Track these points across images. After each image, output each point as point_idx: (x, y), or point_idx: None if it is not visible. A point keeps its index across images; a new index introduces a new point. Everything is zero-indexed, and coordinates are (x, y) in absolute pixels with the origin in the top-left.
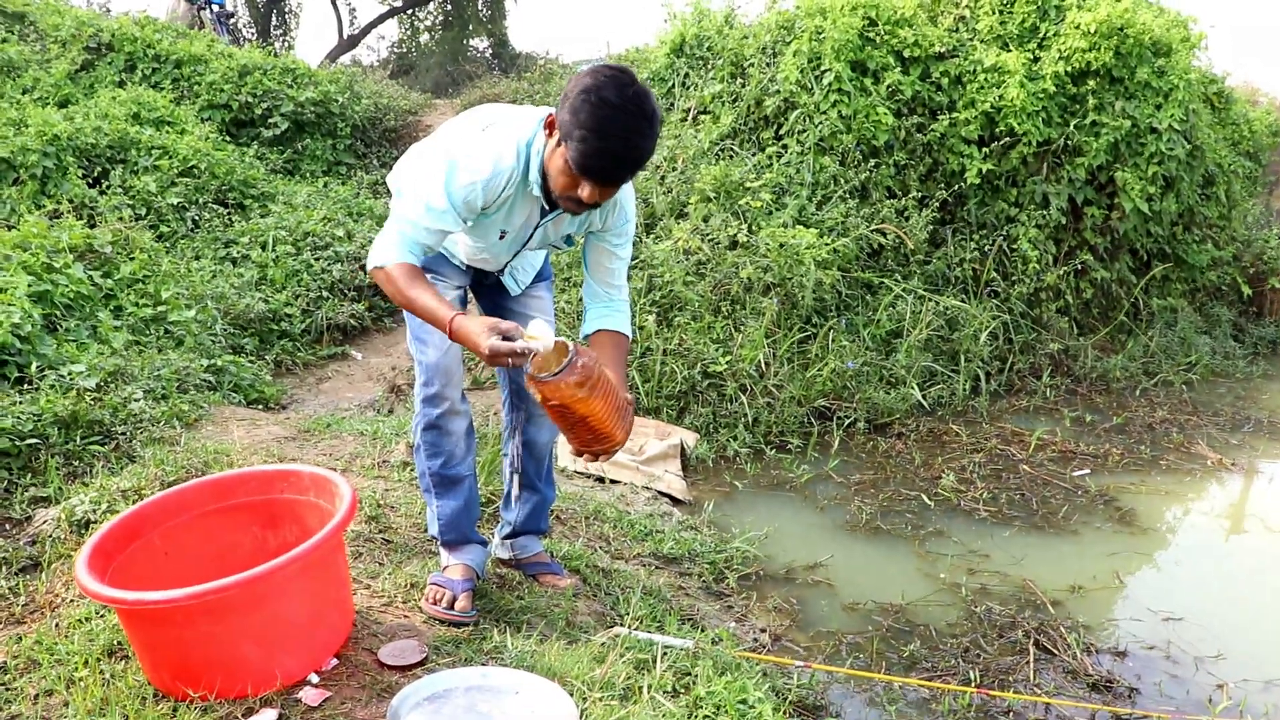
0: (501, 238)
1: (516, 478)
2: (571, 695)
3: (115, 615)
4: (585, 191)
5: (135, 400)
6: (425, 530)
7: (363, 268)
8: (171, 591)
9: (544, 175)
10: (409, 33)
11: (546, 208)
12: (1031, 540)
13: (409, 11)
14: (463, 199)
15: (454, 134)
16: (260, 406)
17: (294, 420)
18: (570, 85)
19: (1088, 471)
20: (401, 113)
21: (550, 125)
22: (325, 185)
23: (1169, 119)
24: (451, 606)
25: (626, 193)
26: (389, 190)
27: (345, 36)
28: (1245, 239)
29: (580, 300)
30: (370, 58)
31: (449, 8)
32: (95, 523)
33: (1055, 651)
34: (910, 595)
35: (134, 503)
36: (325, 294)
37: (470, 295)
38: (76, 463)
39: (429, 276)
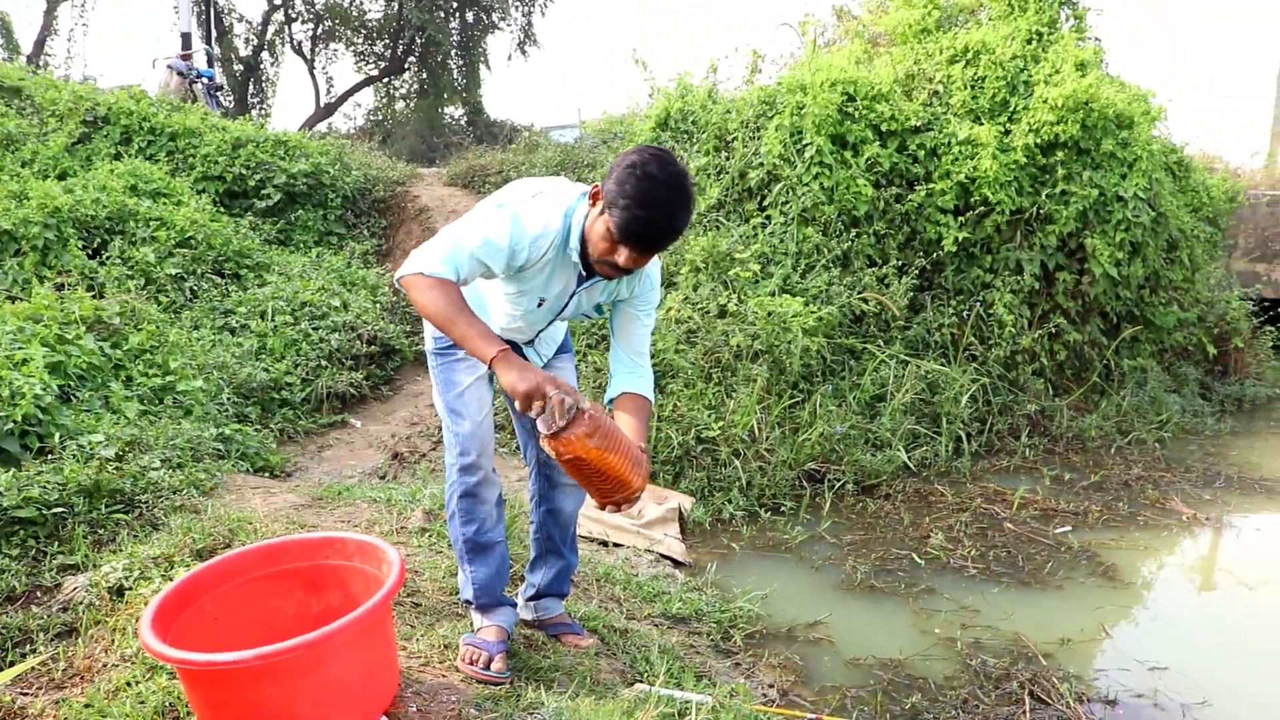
0: (539, 305)
1: (542, 544)
2: None
3: (163, 678)
4: (622, 257)
5: (154, 469)
6: (456, 594)
7: (359, 337)
8: (239, 653)
9: (583, 243)
10: (385, 101)
11: (583, 274)
12: (1019, 596)
13: (385, 80)
14: (513, 247)
15: (507, 197)
16: (267, 474)
17: (305, 488)
18: (616, 160)
19: (1069, 528)
20: (390, 183)
21: (595, 195)
22: (318, 255)
23: (1134, 188)
24: (488, 667)
25: (654, 264)
26: (378, 258)
27: (322, 105)
28: (1208, 300)
29: (598, 368)
30: (347, 125)
31: (425, 76)
32: (129, 589)
33: (1049, 701)
34: (908, 650)
35: (165, 569)
36: (324, 363)
37: None
38: (101, 531)
39: (460, 353)
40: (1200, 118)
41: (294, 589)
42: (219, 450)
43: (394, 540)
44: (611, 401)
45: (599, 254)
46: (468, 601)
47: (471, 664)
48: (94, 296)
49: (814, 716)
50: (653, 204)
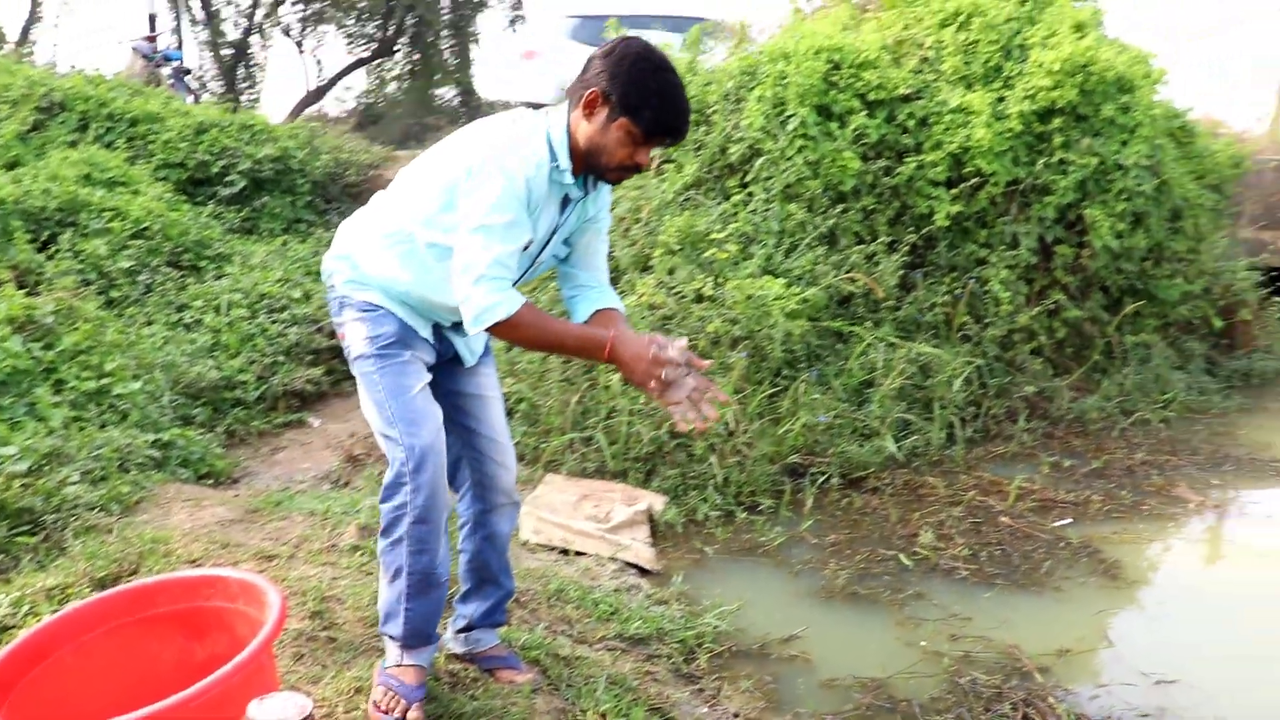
0: (525, 248)
1: (478, 574)
2: None
3: None
4: (646, 156)
5: (71, 484)
6: (376, 625)
7: (320, 330)
8: None
9: (584, 155)
10: (376, 83)
11: (572, 196)
12: (1014, 600)
13: (376, 62)
14: (527, 204)
15: (483, 153)
16: (210, 481)
17: (241, 499)
18: (609, 61)
19: (1069, 521)
20: (362, 167)
21: (591, 104)
22: (284, 244)
23: (1135, 155)
24: (404, 718)
25: None
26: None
27: (312, 88)
28: (1214, 271)
29: None
30: (338, 109)
31: (416, 57)
32: (15, 628)
33: None
34: (891, 667)
35: (59, 603)
36: (281, 359)
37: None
38: (2, 556)
39: (408, 354)
40: (1204, 79)
41: (173, 634)
42: (154, 459)
43: (321, 561)
44: (586, 322)
45: (619, 160)
46: (392, 636)
47: (386, 713)
48: (28, 294)
49: None
50: (677, 93)
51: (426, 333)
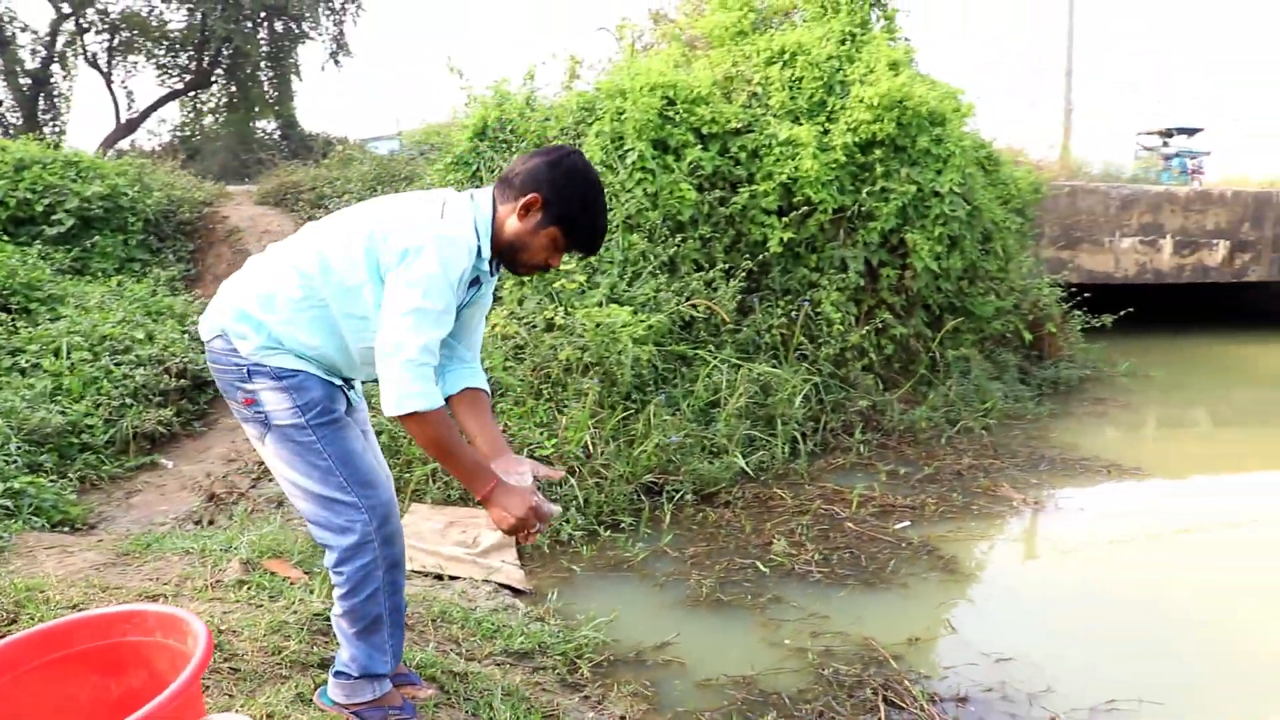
0: None
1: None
2: None
3: None
4: (559, 260)
5: None
6: (277, 653)
7: (167, 370)
8: None
9: (507, 249)
10: (192, 115)
11: (483, 279)
12: (866, 598)
13: (191, 94)
14: (456, 287)
15: (426, 225)
16: (66, 529)
17: (109, 543)
18: (556, 172)
19: (908, 524)
20: (196, 204)
21: (529, 206)
22: (119, 284)
23: (949, 183)
24: None
25: None
26: (186, 283)
27: (123, 121)
28: (1022, 289)
29: None
30: (151, 142)
31: (234, 89)
32: None
33: (904, 705)
34: (759, 665)
35: None
36: (129, 401)
37: None
38: None
39: (339, 414)
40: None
41: (87, 673)
42: (7, 508)
43: (208, 597)
44: (449, 399)
45: (539, 260)
46: (380, 674)
47: None
48: None
49: None
50: (604, 216)
51: (339, 381)
